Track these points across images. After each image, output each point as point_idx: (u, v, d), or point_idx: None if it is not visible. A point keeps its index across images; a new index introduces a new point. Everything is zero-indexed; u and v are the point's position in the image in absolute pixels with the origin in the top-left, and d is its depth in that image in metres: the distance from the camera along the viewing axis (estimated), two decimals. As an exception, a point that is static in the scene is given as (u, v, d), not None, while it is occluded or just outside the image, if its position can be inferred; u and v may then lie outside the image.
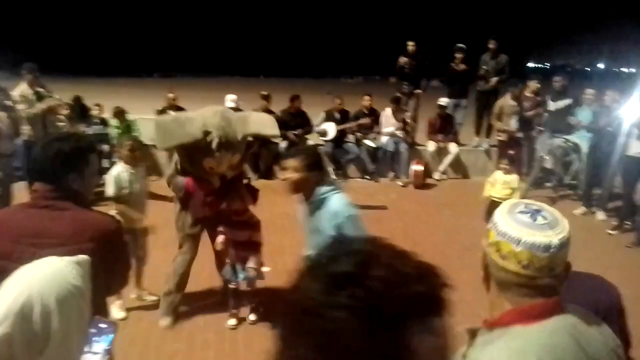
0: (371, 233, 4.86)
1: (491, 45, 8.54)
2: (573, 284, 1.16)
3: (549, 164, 7.43)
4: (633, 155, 5.78)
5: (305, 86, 19.43)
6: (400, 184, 8.00)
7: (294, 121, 7.91)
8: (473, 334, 1.18)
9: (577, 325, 1.10)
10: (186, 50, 33.86)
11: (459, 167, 8.56)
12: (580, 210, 6.55)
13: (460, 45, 8.66)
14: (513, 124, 7.68)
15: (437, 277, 0.69)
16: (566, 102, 7.24)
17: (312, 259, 0.69)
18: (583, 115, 7.07)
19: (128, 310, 3.94)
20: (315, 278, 0.66)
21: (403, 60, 8.82)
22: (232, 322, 3.84)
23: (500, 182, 5.48)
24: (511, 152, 6.84)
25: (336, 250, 0.68)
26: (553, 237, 1.04)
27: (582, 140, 7.14)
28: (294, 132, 7.87)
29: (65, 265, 1.21)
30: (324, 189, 2.66)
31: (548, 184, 7.72)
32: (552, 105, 7.27)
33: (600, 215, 6.46)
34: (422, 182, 7.88)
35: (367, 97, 8.45)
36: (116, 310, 3.79)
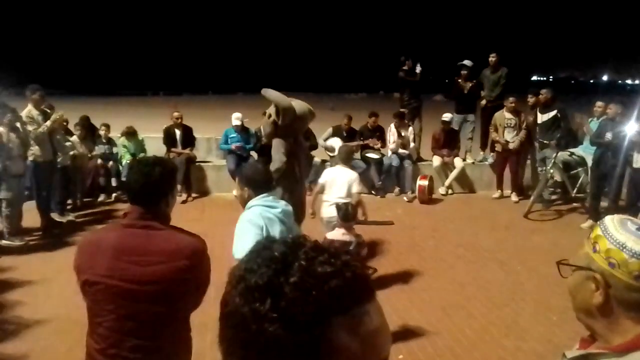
0: (378, 248, 4.84)
1: (492, 58, 8.63)
2: None
3: (556, 177, 7.45)
4: (638, 168, 5.78)
5: (309, 102, 19.58)
6: (406, 199, 8.01)
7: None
8: (584, 358, 1.13)
9: None
10: (191, 69, 34.29)
11: (464, 182, 8.56)
12: (587, 223, 6.53)
13: (466, 61, 8.73)
14: (508, 136, 7.77)
15: (355, 266, 0.67)
16: (551, 114, 7.31)
17: (232, 271, 0.70)
18: (591, 126, 7.11)
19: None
20: (235, 290, 0.66)
21: (409, 75, 8.92)
22: None
23: None
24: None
25: (253, 260, 0.68)
26: None
27: (587, 153, 7.15)
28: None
29: None
30: (251, 202, 2.71)
31: (554, 197, 7.72)
32: (541, 118, 7.37)
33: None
34: (428, 197, 7.88)
35: (373, 119, 8.49)
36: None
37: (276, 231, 2.62)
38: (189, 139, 8.18)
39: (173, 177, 2.03)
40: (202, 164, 8.35)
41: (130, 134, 8.05)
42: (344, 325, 0.63)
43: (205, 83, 31.43)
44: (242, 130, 8.18)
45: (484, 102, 8.72)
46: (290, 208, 2.89)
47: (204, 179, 8.26)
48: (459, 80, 8.71)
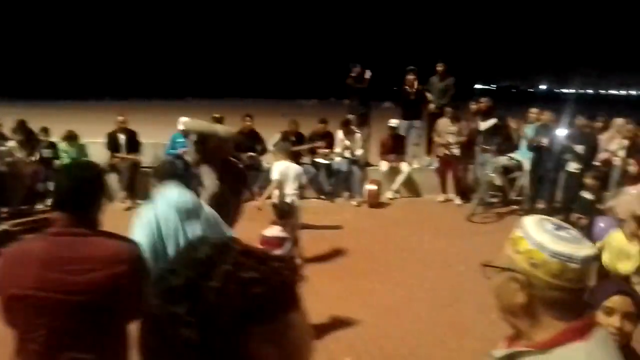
0: (325, 253, 4.86)
1: (439, 67, 8.93)
2: None
3: (496, 181, 7.78)
4: (572, 171, 6.14)
5: (261, 108, 19.51)
6: (355, 203, 8.12)
7: (247, 142, 7.93)
8: (511, 357, 1.17)
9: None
10: (137, 73, 33.34)
11: (411, 186, 8.77)
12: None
13: (412, 67, 8.98)
14: (448, 142, 8.08)
15: (282, 274, 0.66)
16: (492, 122, 7.68)
17: (155, 272, 0.70)
18: (527, 132, 7.48)
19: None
20: (155, 292, 0.64)
21: (357, 81, 9.08)
22: None
23: None
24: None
25: (177, 260, 0.66)
26: (583, 250, 1.09)
27: (524, 157, 7.52)
28: (249, 153, 7.89)
29: None
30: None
31: (495, 200, 8.06)
32: (482, 126, 7.71)
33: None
34: (376, 201, 8.03)
35: (321, 125, 8.60)
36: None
37: (171, 220, 2.56)
38: (133, 144, 7.95)
39: (101, 180, 1.97)
40: (148, 169, 8.11)
41: (71, 138, 7.72)
42: (265, 335, 0.62)
43: (152, 87, 30.64)
44: (186, 135, 8.02)
45: (432, 106, 8.96)
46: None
47: (150, 186, 8.02)
48: (405, 87, 8.95)
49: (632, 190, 5.17)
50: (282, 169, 5.30)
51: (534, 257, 1.10)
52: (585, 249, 1.09)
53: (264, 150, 8.00)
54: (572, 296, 1.11)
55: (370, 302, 4.69)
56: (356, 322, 4.29)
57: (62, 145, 7.69)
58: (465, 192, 8.31)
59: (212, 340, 0.59)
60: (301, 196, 5.37)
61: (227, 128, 4.77)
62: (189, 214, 2.64)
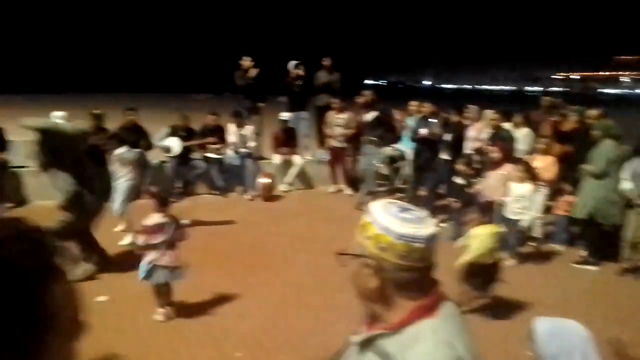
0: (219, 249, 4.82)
1: (326, 62, 9.19)
2: None
3: (383, 171, 8.18)
4: (445, 159, 6.66)
5: (153, 102, 18.61)
6: (249, 197, 8.08)
7: (131, 137, 7.51)
8: (369, 341, 1.19)
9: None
10: (8, 64, 30.06)
11: (304, 178, 8.93)
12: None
13: (294, 61, 9.12)
14: (337, 134, 8.38)
15: (44, 247, 0.66)
16: (374, 114, 8.12)
17: None
18: (409, 124, 7.95)
19: None
20: None
21: (244, 74, 9.02)
22: (159, 317, 4.04)
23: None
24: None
25: None
26: (426, 229, 1.13)
27: (407, 147, 7.98)
28: (135, 149, 7.48)
29: None
30: None
31: (381, 189, 8.46)
32: (366, 118, 8.13)
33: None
34: (270, 195, 8.07)
35: (211, 117, 8.44)
36: None
37: None
38: (0, 142, 7.18)
39: None
40: (19, 169, 7.38)
41: None
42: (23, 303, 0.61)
43: (26, 80, 27.77)
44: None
45: (322, 102, 9.19)
46: None
47: (21, 186, 7.33)
48: (289, 79, 9.11)
49: (496, 174, 5.76)
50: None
51: (382, 241, 1.14)
52: (428, 228, 1.15)
53: (149, 146, 7.65)
54: (420, 275, 1.16)
55: (262, 295, 4.71)
56: (248, 316, 4.29)
57: None
58: (354, 182, 8.66)
59: None
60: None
61: (76, 125, 4.43)
62: None
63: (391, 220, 1.14)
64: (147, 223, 3.99)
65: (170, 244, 4.00)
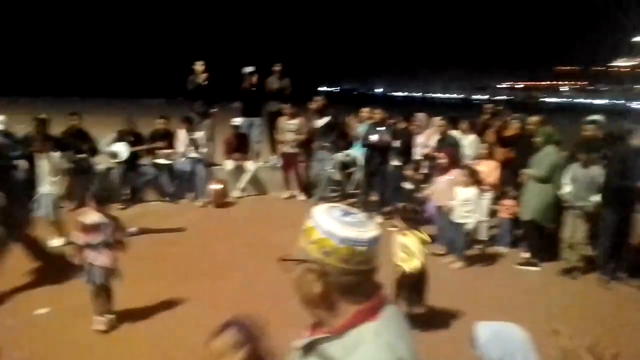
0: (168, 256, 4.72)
1: (277, 68, 9.22)
2: None
3: (335, 176, 8.27)
4: (394, 164, 6.80)
5: (101, 107, 18.01)
6: (200, 204, 7.95)
7: (75, 143, 7.24)
8: (312, 345, 1.18)
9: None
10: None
11: (256, 184, 8.87)
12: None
13: (249, 67, 9.09)
14: (289, 140, 8.39)
15: None
16: (325, 120, 8.22)
17: None
18: (360, 130, 8.06)
19: None
20: None
21: (195, 79, 8.92)
22: (99, 326, 3.94)
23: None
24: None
25: None
26: (368, 233, 1.13)
27: (359, 153, 8.10)
28: (79, 155, 7.23)
29: None
30: None
31: (334, 194, 8.55)
32: (318, 124, 8.20)
33: (378, 219, 7.36)
34: (222, 201, 7.96)
35: (161, 120, 8.27)
36: None
37: None
38: None
39: None
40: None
41: None
42: None
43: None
44: (6, 136, 7.07)
45: (274, 108, 9.19)
46: None
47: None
48: (242, 85, 9.07)
49: (443, 179, 5.93)
50: None
51: (325, 245, 1.13)
52: (370, 231, 1.15)
53: (94, 151, 7.39)
54: (363, 278, 1.16)
55: (213, 303, 4.62)
56: (197, 324, 4.15)
57: None
58: (307, 188, 8.68)
59: None
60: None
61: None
62: None
63: (334, 224, 1.14)
64: (84, 221, 3.92)
65: (107, 245, 3.93)
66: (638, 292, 5.30)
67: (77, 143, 7.24)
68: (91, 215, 3.95)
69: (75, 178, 7.18)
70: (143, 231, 6.43)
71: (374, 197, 7.65)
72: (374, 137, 7.19)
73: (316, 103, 8.45)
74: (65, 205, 6.87)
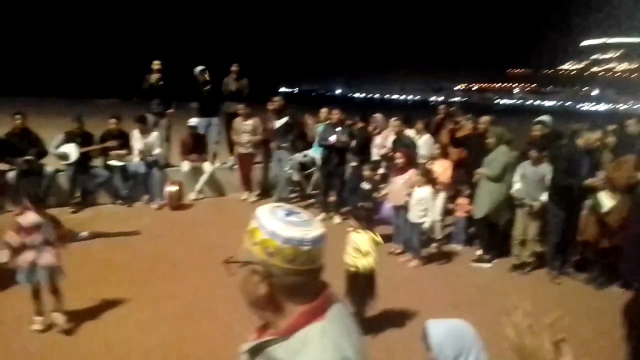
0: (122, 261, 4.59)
1: (234, 68, 9.12)
2: None
3: (294, 177, 8.25)
4: (352, 165, 6.85)
5: (54, 107, 17.29)
6: (155, 206, 7.75)
7: (22, 144, 6.92)
8: (258, 348, 1.17)
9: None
10: None
11: (214, 186, 8.74)
12: (320, 216, 7.39)
13: (199, 67, 8.95)
14: (244, 140, 8.31)
15: None
16: (284, 120, 8.21)
17: None
18: (318, 130, 8.07)
19: None
20: None
21: (150, 78, 8.71)
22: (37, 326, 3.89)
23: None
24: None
25: None
26: (312, 232, 1.11)
27: (317, 154, 8.11)
28: (26, 157, 6.90)
29: None
30: None
31: (293, 195, 8.54)
32: (276, 124, 8.17)
33: (337, 219, 7.40)
34: (178, 203, 7.79)
35: (113, 120, 8.00)
36: None
37: None
38: None
39: None
40: None
41: None
42: None
43: None
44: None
45: (232, 109, 9.07)
46: None
47: None
48: (197, 85, 8.93)
49: (400, 179, 6.02)
50: None
51: (269, 245, 1.11)
52: (314, 230, 1.14)
53: (42, 153, 7.08)
54: (309, 278, 1.15)
55: (168, 307, 4.53)
56: (152, 329, 4.11)
57: None
58: (266, 189, 8.62)
59: None
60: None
61: None
62: None
63: (277, 225, 1.12)
64: (21, 222, 3.85)
65: (48, 243, 3.88)
66: (583, 285, 5.56)
67: (23, 144, 6.92)
68: (28, 216, 3.88)
69: (23, 181, 6.86)
70: (95, 235, 6.22)
71: (332, 198, 7.67)
72: (332, 138, 7.22)
73: (274, 103, 8.40)
74: (11, 209, 6.56)
